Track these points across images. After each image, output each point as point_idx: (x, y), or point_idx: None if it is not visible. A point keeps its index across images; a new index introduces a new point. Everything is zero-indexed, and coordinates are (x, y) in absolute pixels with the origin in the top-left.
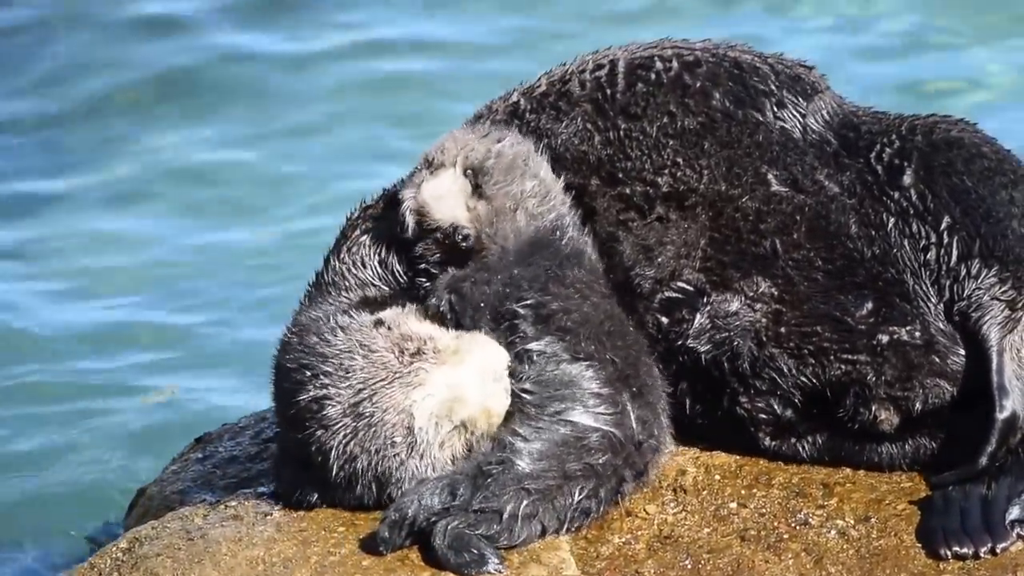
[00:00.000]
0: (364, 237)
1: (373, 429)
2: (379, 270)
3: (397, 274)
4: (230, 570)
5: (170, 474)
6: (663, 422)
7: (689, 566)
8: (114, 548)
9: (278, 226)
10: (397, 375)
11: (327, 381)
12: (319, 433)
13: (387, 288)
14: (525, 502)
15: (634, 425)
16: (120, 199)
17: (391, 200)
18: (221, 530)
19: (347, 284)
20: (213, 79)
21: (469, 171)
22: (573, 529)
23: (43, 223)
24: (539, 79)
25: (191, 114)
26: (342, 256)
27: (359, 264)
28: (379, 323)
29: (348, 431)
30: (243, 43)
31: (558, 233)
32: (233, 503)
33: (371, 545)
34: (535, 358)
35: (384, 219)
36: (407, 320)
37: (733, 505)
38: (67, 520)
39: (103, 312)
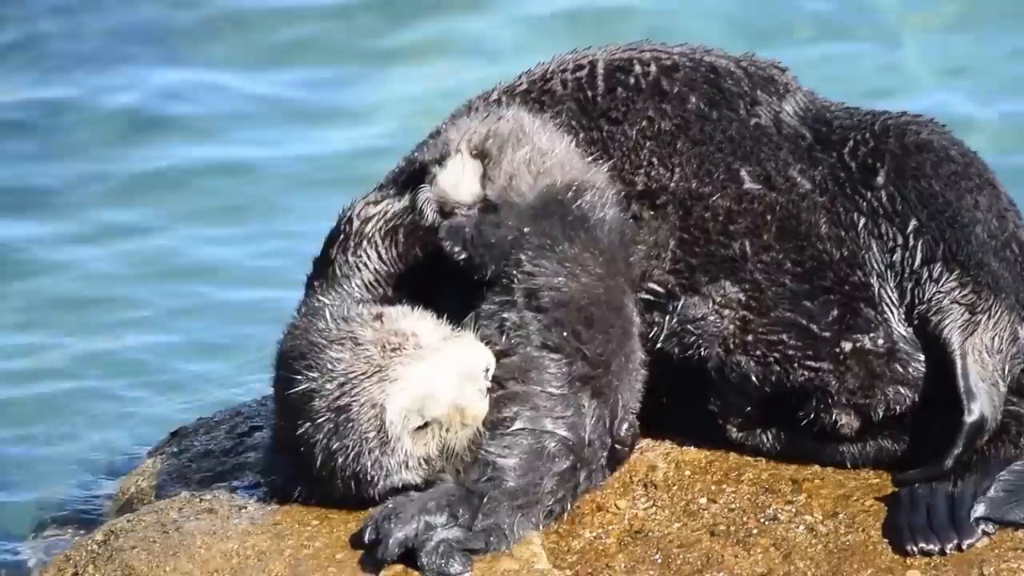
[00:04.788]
0: (371, 228)
1: (351, 424)
2: (390, 259)
3: (408, 258)
4: (205, 563)
5: (145, 467)
6: (625, 419)
7: (659, 560)
8: (89, 541)
9: None
10: (377, 369)
11: (315, 374)
12: (307, 426)
13: (392, 275)
14: (519, 516)
15: (589, 425)
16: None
17: (404, 193)
18: (196, 523)
19: (359, 274)
20: None
21: (475, 152)
22: (542, 528)
23: None
24: (519, 78)
25: None
26: (350, 247)
27: (369, 255)
28: (378, 316)
29: (330, 426)
30: None
31: (565, 199)
32: (208, 496)
33: (347, 541)
34: (509, 332)
35: (391, 210)
36: (404, 316)
37: (703, 500)
38: (43, 511)
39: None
